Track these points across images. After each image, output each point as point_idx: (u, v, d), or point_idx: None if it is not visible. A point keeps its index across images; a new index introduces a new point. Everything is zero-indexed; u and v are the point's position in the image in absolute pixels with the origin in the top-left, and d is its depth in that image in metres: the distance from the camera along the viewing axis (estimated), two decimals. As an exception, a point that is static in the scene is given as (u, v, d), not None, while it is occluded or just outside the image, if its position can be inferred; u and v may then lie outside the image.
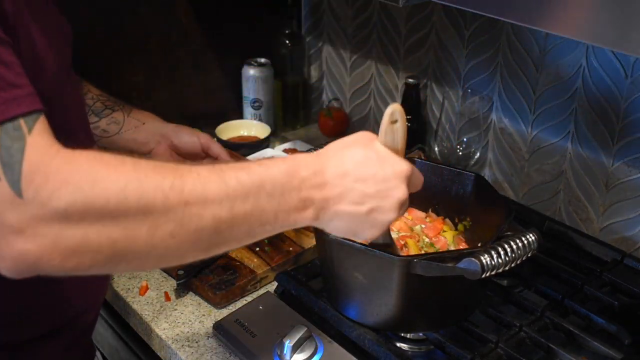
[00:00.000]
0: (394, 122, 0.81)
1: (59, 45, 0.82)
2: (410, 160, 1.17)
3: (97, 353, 1.11)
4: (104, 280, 1.03)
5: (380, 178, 0.76)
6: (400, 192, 0.77)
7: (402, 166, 0.78)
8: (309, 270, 1.15)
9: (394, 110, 0.81)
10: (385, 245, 0.91)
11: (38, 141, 0.60)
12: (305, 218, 0.74)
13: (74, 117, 0.90)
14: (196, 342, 1.07)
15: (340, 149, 0.78)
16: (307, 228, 1.27)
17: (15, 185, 0.58)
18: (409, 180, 0.79)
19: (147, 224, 0.62)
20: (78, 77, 1.03)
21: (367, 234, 0.81)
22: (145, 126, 1.22)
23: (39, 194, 0.59)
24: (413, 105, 1.53)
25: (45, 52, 0.75)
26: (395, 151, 0.81)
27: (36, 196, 0.59)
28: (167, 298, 1.16)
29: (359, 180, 0.75)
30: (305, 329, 1.00)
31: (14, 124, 0.59)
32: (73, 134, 0.85)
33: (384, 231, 0.82)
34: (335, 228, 0.78)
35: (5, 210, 0.59)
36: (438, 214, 1.16)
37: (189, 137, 1.23)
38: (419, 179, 0.83)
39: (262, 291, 1.17)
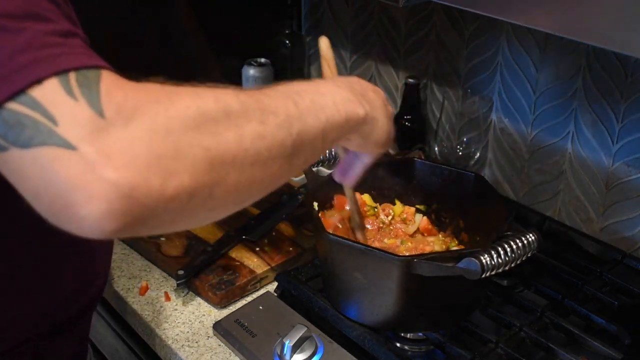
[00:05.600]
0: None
1: None
2: (410, 160, 1.18)
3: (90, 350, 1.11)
4: (102, 277, 1.03)
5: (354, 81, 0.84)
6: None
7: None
8: (309, 270, 1.15)
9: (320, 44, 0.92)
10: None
11: (110, 72, 0.57)
12: (359, 109, 0.77)
13: None
14: (196, 342, 1.07)
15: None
16: (307, 228, 1.27)
17: (95, 104, 0.53)
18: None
19: (231, 125, 0.59)
20: None
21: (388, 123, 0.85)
22: None
23: (121, 110, 0.53)
24: (413, 105, 1.53)
25: None
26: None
27: (119, 112, 0.53)
28: (167, 298, 1.16)
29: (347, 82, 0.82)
30: (305, 329, 1.00)
31: (88, 70, 0.56)
32: None
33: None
34: (381, 127, 0.82)
35: (86, 136, 0.51)
36: (438, 215, 1.16)
37: None
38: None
39: (262, 291, 1.17)
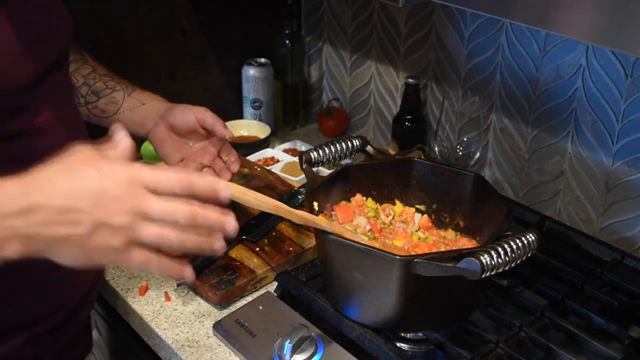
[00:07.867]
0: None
1: (36, 47, 0.82)
2: (410, 160, 1.18)
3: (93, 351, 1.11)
4: (95, 276, 1.04)
5: (96, 190, 0.64)
6: (129, 201, 0.65)
7: (130, 171, 0.66)
8: (309, 270, 1.15)
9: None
10: None
11: None
12: (7, 254, 0.64)
13: (50, 120, 0.87)
14: (196, 342, 1.07)
15: (52, 171, 0.66)
16: (307, 228, 1.27)
17: None
18: (146, 186, 0.66)
19: None
20: (69, 68, 1.03)
21: (104, 262, 0.69)
22: (144, 107, 1.20)
23: None
24: (413, 105, 1.53)
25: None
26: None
27: None
28: (167, 298, 1.16)
29: (69, 196, 0.64)
30: (305, 329, 1.00)
31: None
32: (45, 135, 0.86)
33: (128, 254, 0.67)
34: (66, 257, 0.67)
35: None
36: (438, 215, 1.16)
37: (182, 115, 1.18)
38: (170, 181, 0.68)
39: (262, 291, 1.17)
